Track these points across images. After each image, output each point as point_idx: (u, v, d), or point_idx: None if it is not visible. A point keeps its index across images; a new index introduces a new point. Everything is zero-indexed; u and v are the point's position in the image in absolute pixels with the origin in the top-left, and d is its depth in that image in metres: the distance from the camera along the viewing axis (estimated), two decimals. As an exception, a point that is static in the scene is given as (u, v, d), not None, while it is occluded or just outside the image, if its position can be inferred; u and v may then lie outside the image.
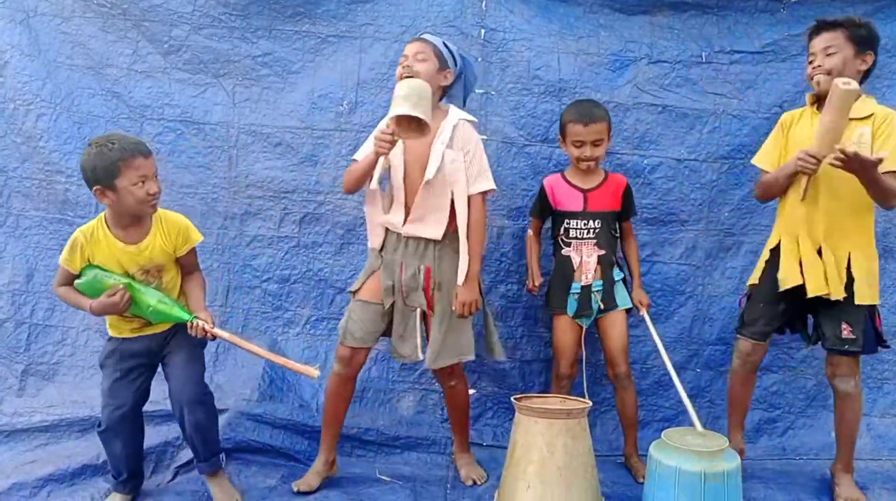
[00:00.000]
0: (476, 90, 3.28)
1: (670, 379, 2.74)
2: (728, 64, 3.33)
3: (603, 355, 3.07)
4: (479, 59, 3.31)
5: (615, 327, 2.96)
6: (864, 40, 2.59)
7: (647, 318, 2.93)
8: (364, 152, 2.67)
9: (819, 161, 2.45)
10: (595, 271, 2.95)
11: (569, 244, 2.99)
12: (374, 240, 2.75)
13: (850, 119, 2.51)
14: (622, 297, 2.99)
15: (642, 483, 2.76)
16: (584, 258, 2.96)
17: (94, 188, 2.31)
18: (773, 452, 3.10)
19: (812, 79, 2.63)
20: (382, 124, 2.60)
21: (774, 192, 2.76)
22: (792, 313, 2.77)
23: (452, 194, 2.63)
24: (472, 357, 2.75)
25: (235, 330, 3.24)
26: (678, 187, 3.32)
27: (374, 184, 2.61)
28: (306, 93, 3.32)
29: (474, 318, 2.76)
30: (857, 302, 2.56)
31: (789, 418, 3.28)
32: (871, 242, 2.64)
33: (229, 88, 3.33)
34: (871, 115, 2.57)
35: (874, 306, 2.64)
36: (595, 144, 2.88)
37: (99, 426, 2.48)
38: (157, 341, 2.51)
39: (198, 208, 3.29)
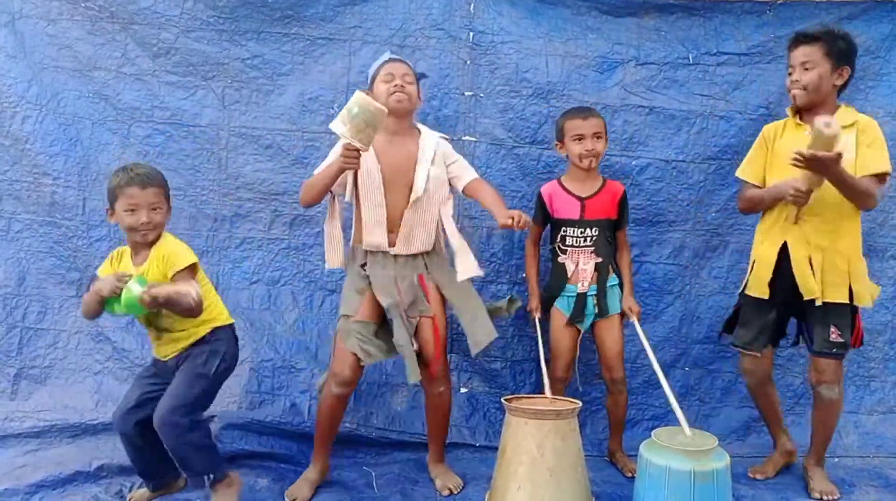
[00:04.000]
0: (465, 93, 3.31)
1: (659, 377, 2.75)
2: (715, 65, 3.36)
3: (594, 355, 3.09)
4: (468, 62, 3.32)
5: (611, 332, 2.98)
6: (842, 54, 2.63)
7: (638, 326, 2.94)
8: (323, 166, 2.66)
9: (810, 194, 2.49)
10: (591, 278, 2.97)
11: (565, 252, 3.00)
12: (335, 259, 2.73)
13: None
14: (617, 302, 3.01)
15: (631, 478, 2.79)
16: (581, 266, 2.97)
17: (106, 208, 2.52)
18: (761, 450, 3.12)
19: (790, 91, 2.69)
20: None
21: (760, 209, 2.81)
22: (782, 319, 2.81)
23: (438, 209, 2.71)
24: (496, 334, 2.79)
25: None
26: (666, 188, 3.35)
27: (347, 197, 2.64)
28: (296, 95, 3.32)
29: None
30: (856, 303, 2.63)
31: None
32: (858, 246, 2.69)
33: (219, 90, 3.32)
34: (854, 123, 2.62)
35: (857, 307, 2.68)
36: (596, 136, 2.91)
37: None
38: (169, 365, 2.52)
39: (187, 210, 3.29)
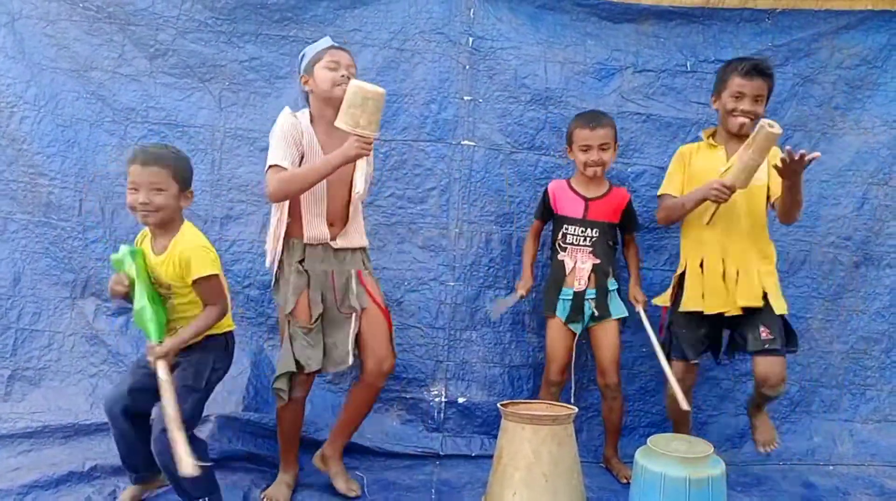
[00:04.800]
0: (464, 97, 3.31)
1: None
2: (712, 73, 3.33)
3: (592, 361, 3.10)
4: (467, 67, 3.33)
5: (607, 337, 2.99)
6: (770, 94, 2.84)
7: (643, 314, 2.97)
8: (286, 160, 2.49)
9: (732, 192, 2.60)
10: (588, 278, 2.98)
11: (564, 250, 3.02)
12: (278, 254, 2.63)
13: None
14: (616, 306, 3.02)
15: (626, 485, 2.80)
16: (578, 265, 2.99)
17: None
18: (756, 458, 3.13)
19: (735, 117, 2.77)
20: (289, 118, 2.59)
21: (677, 216, 2.88)
22: (713, 334, 2.90)
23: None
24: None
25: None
26: (663, 195, 3.35)
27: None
28: (293, 98, 3.30)
29: None
30: (777, 312, 2.73)
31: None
32: (772, 258, 2.84)
33: (215, 92, 3.31)
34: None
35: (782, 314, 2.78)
36: (602, 148, 2.92)
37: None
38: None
39: (181, 211, 3.27)
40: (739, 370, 3.33)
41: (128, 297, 2.40)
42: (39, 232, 3.27)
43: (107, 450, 2.76)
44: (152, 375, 2.31)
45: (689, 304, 2.82)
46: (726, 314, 2.77)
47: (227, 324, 2.54)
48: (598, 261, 2.99)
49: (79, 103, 3.27)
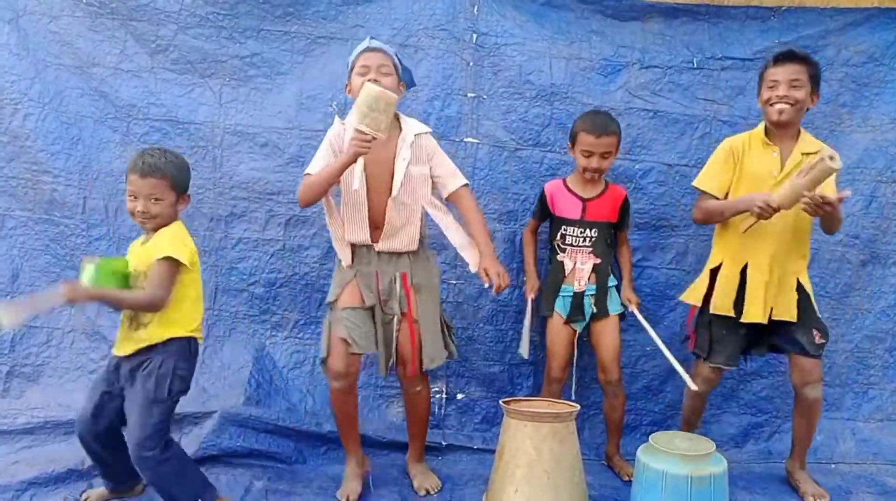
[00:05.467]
0: (468, 94, 3.30)
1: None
2: (719, 70, 3.35)
3: (592, 359, 3.08)
4: (471, 64, 3.31)
5: (607, 333, 2.97)
6: (817, 81, 2.71)
7: (637, 313, 2.97)
8: (318, 166, 2.58)
9: (778, 211, 2.55)
10: (588, 278, 2.97)
11: (564, 250, 3.00)
12: (347, 255, 2.68)
13: (804, 153, 2.69)
14: (614, 303, 3.01)
15: (628, 482, 2.79)
16: (578, 266, 2.97)
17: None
18: (758, 456, 3.13)
19: (772, 105, 2.69)
20: (337, 128, 2.63)
21: (715, 221, 2.84)
22: (753, 335, 2.83)
23: (421, 206, 2.67)
24: (455, 356, 2.84)
25: (223, 332, 3.26)
26: (669, 192, 3.34)
27: (356, 185, 2.47)
28: (294, 94, 3.31)
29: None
30: (819, 314, 2.76)
31: (776, 422, 3.30)
32: (807, 258, 2.82)
33: (216, 88, 3.31)
34: (818, 151, 2.64)
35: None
36: (604, 156, 2.90)
37: None
38: (120, 364, 2.42)
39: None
40: (743, 369, 3.30)
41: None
42: (39, 229, 3.27)
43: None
44: (113, 393, 2.41)
45: (720, 309, 2.77)
46: (743, 320, 2.73)
47: (193, 329, 2.47)
48: (598, 261, 2.98)
49: (83, 100, 3.27)
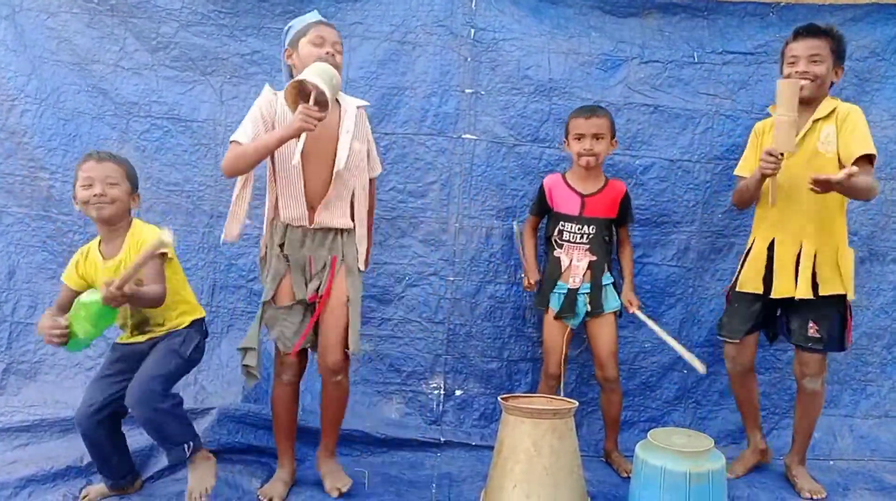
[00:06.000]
0: (466, 90, 3.29)
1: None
2: (720, 65, 3.34)
3: (590, 355, 3.08)
4: (469, 59, 3.31)
5: (604, 330, 2.97)
6: (841, 54, 2.66)
7: (640, 313, 2.97)
8: (247, 135, 2.42)
9: (779, 158, 2.50)
10: (584, 275, 2.96)
11: (561, 246, 2.99)
12: (233, 231, 2.54)
13: (815, 120, 2.62)
14: (610, 300, 3.00)
15: (627, 478, 2.79)
16: (575, 262, 2.97)
17: (73, 195, 2.50)
18: (758, 453, 3.11)
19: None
20: (268, 95, 2.54)
21: (747, 198, 2.81)
22: (767, 312, 2.82)
23: (355, 183, 2.61)
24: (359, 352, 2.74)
25: (221, 330, 3.26)
26: (671, 188, 3.33)
27: (296, 160, 2.33)
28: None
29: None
30: (821, 293, 2.62)
31: (774, 418, 3.30)
32: (844, 239, 2.70)
33: (217, 85, 3.31)
34: (834, 110, 2.63)
35: (846, 305, 2.69)
36: (596, 137, 2.89)
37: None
38: (142, 348, 2.51)
39: (184, 205, 3.27)
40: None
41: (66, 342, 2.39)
42: (36, 226, 3.27)
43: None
44: (123, 377, 2.44)
45: (745, 285, 2.78)
46: (773, 296, 2.70)
47: (201, 310, 2.66)
48: (594, 258, 2.97)
49: (80, 97, 3.27)
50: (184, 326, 2.54)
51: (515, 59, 3.31)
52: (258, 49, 3.30)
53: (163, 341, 2.50)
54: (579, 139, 2.91)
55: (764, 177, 2.60)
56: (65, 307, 2.42)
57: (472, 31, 3.31)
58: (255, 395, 3.08)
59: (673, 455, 2.36)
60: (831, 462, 3.14)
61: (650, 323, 2.90)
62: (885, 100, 3.33)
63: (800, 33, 2.65)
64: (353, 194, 2.61)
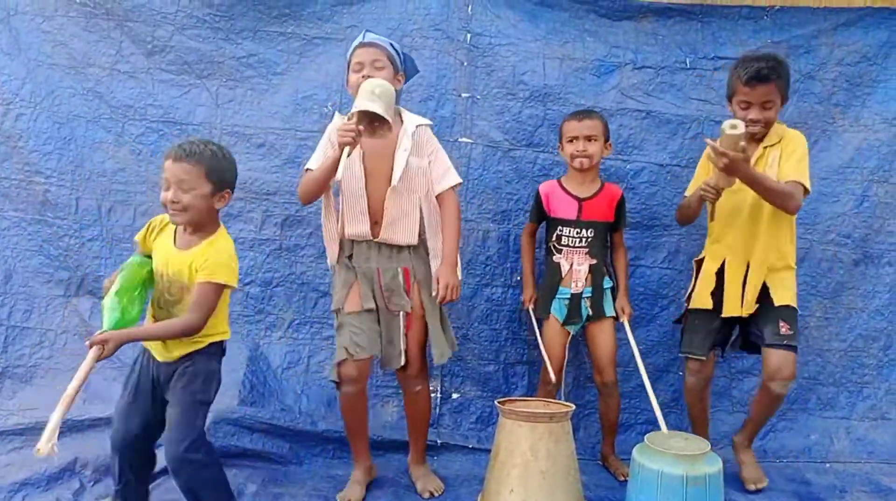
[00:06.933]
0: (462, 94, 3.30)
1: (653, 383, 2.76)
2: (712, 70, 3.36)
3: (588, 359, 3.08)
4: (465, 64, 3.32)
5: (603, 335, 2.97)
6: (787, 87, 2.76)
7: (628, 327, 2.95)
8: (318, 161, 2.57)
9: (719, 191, 2.59)
10: (585, 279, 2.96)
11: (560, 251, 2.99)
12: (334, 255, 2.67)
13: (766, 147, 2.73)
14: (610, 305, 3.00)
15: (624, 482, 2.78)
16: (575, 267, 2.97)
17: None
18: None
19: (748, 126, 2.65)
20: (337, 121, 2.60)
21: (688, 215, 2.90)
22: (725, 329, 2.88)
23: (420, 199, 2.64)
24: (456, 347, 2.81)
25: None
26: (661, 192, 3.35)
27: (339, 174, 2.37)
28: (290, 94, 3.31)
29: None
30: (776, 303, 2.72)
31: (770, 421, 3.29)
32: (787, 255, 2.79)
33: (213, 89, 3.31)
34: (780, 140, 2.74)
35: (795, 309, 2.78)
36: (588, 139, 2.90)
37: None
38: (163, 371, 2.30)
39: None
40: (735, 367, 3.32)
41: None
42: (32, 230, 3.25)
43: (99, 448, 2.71)
44: (156, 398, 2.29)
45: (697, 302, 2.85)
46: (723, 315, 2.79)
47: (226, 329, 2.41)
48: (594, 261, 2.97)
49: (75, 100, 3.27)
50: (203, 345, 2.29)
51: (511, 65, 3.33)
52: (254, 52, 3.31)
53: (183, 380, 2.25)
54: (572, 142, 2.92)
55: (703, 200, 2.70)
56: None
57: (469, 35, 3.32)
58: (252, 398, 3.07)
59: (670, 459, 2.35)
60: (828, 465, 3.14)
61: (633, 342, 2.88)
62: (877, 104, 3.35)
63: (750, 81, 2.66)
64: (421, 212, 2.65)
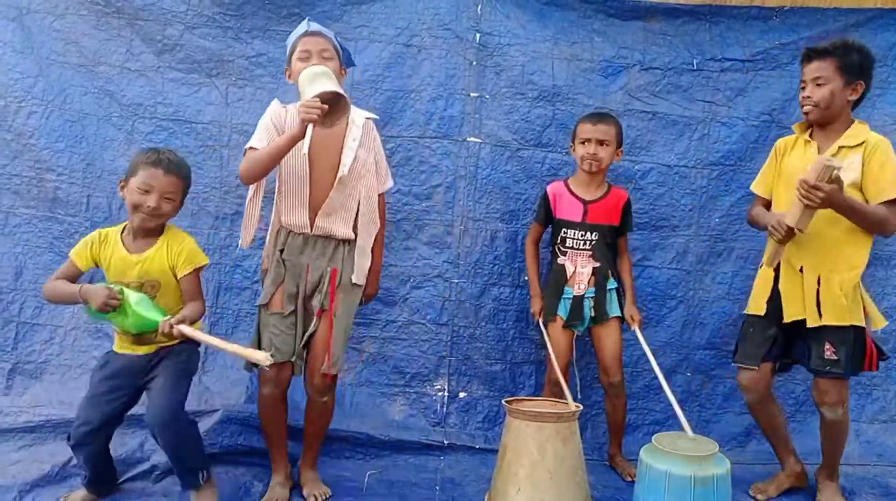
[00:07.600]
0: (471, 94, 3.30)
1: (661, 383, 2.74)
2: (718, 72, 3.36)
3: (594, 359, 3.08)
4: (474, 63, 3.32)
5: (609, 336, 2.97)
6: (856, 68, 2.55)
7: (640, 334, 2.91)
8: (261, 142, 2.46)
9: (790, 233, 2.44)
10: (588, 281, 2.96)
11: (564, 254, 3.00)
12: (248, 238, 2.59)
13: (841, 147, 2.54)
14: (614, 306, 3.00)
15: (631, 483, 2.78)
16: (579, 269, 2.97)
17: (121, 179, 2.46)
18: (762, 457, 3.10)
19: (802, 106, 2.62)
20: (276, 107, 2.58)
21: (758, 228, 2.82)
22: (784, 337, 2.72)
23: (360, 193, 2.60)
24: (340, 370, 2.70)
25: (226, 331, 3.25)
26: (669, 193, 3.35)
27: (304, 149, 2.28)
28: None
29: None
30: (823, 322, 2.52)
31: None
32: (857, 265, 2.56)
33: (223, 87, 3.32)
34: (863, 142, 2.53)
35: (863, 327, 2.57)
36: (600, 143, 2.90)
37: (68, 438, 2.45)
38: (141, 363, 2.47)
39: (189, 207, 3.25)
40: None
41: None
42: (43, 227, 3.27)
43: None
44: (122, 393, 2.43)
45: (751, 307, 2.74)
46: (785, 320, 2.61)
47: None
48: (598, 264, 2.97)
49: (87, 98, 3.28)
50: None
51: (520, 64, 3.33)
52: (263, 51, 3.32)
53: (168, 359, 2.47)
54: (584, 144, 2.93)
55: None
56: (69, 280, 2.43)
57: (478, 35, 3.32)
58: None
59: (678, 460, 2.34)
60: (836, 467, 3.14)
61: (646, 349, 2.82)
62: (888, 105, 3.35)
63: (803, 58, 2.60)
64: (358, 206, 2.61)
